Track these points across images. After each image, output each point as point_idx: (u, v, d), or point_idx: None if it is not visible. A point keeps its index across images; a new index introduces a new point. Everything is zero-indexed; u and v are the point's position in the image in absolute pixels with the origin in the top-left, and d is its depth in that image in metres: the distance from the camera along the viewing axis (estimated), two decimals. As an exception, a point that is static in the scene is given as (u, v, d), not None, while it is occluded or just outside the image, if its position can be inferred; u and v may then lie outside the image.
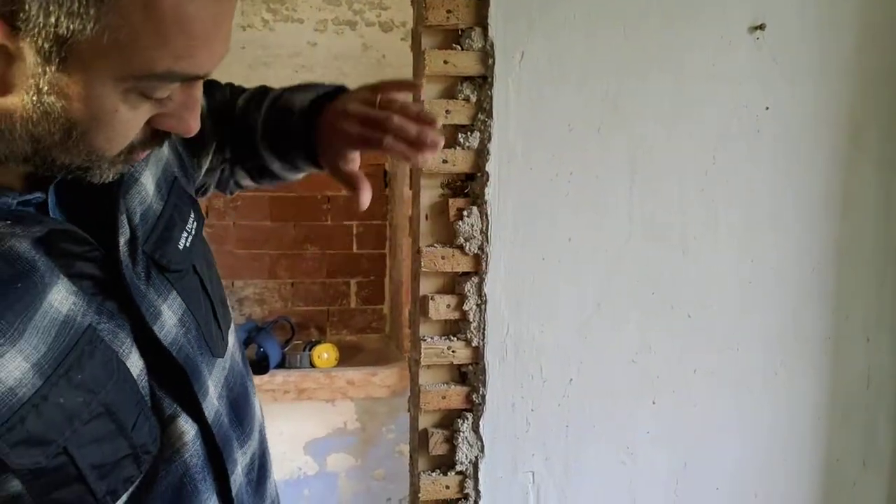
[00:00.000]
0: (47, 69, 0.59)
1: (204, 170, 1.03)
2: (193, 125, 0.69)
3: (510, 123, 1.37)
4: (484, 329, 1.42)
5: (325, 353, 2.81)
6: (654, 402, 1.48)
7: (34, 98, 0.60)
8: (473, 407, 1.44)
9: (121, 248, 0.74)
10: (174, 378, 0.78)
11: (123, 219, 0.75)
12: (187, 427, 0.78)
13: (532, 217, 1.40)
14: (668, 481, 1.52)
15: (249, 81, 1.78)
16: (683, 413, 1.52)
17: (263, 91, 1.08)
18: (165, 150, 0.89)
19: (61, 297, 0.68)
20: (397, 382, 2.86)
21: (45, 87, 0.59)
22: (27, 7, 0.56)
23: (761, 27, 1.44)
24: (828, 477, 1.62)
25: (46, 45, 0.58)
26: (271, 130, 1.02)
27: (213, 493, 0.82)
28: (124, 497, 0.74)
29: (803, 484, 1.61)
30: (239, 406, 0.89)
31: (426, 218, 1.41)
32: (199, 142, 0.98)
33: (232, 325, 0.96)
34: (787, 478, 1.60)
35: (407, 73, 2.81)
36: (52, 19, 0.56)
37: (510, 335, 1.42)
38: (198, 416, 0.79)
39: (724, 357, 1.52)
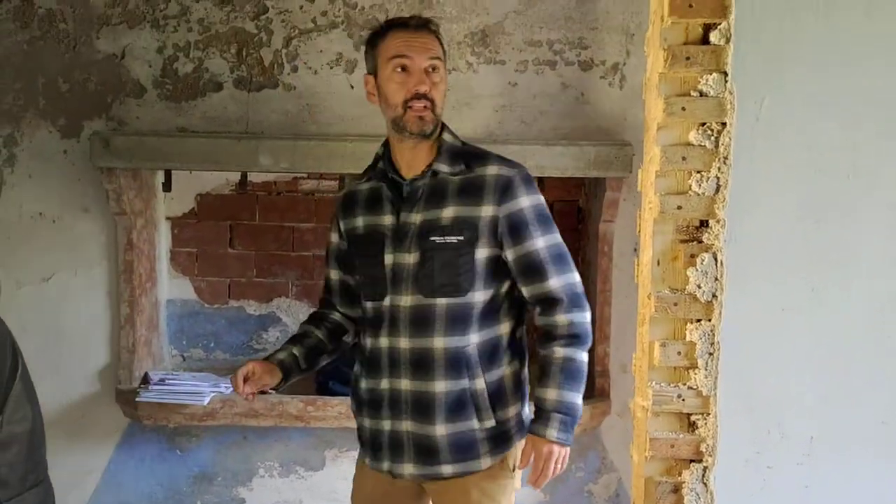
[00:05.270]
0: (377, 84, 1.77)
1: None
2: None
3: (749, 169, 1.35)
4: (716, 378, 1.38)
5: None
6: (906, 467, 1.38)
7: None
8: (703, 458, 1.40)
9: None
10: None
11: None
12: None
13: (771, 265, 1.36)
14: (922, 554, 1.40)
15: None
16: (935, 479, 1.40)
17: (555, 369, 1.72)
18: (487, 213, 1.72)
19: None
20: (588, 420, 2.83)
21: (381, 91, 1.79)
22: (375, 71, 1.79)
23: None
24: None
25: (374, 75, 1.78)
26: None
27: None
28: None
29: None
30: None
31: (657, 263, 1.40)
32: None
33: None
34: None
35: (604, 109, 2.82)
36: (370, 70, 1.85)
37: (744, 386, 1.38)
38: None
39: (984, 421, 1.39)
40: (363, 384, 1.82)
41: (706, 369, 1.38)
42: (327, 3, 2.77)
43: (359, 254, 1.83)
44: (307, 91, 2.80)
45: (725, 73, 1.33)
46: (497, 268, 1.74)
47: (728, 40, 1.33)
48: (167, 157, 2.69)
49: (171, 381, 2.74)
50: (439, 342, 1.74)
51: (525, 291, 1.76)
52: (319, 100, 2.79)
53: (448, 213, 1.73)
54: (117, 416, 2.85)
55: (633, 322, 1.46)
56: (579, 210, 3.12)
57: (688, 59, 1.34)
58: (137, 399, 2.68)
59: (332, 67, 2.79)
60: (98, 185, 2.72)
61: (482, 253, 1.73)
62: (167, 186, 2.91)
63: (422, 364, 1.75)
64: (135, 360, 2.79)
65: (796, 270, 1.36)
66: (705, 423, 1.39)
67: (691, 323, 1.39)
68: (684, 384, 1.40)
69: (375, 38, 1.79)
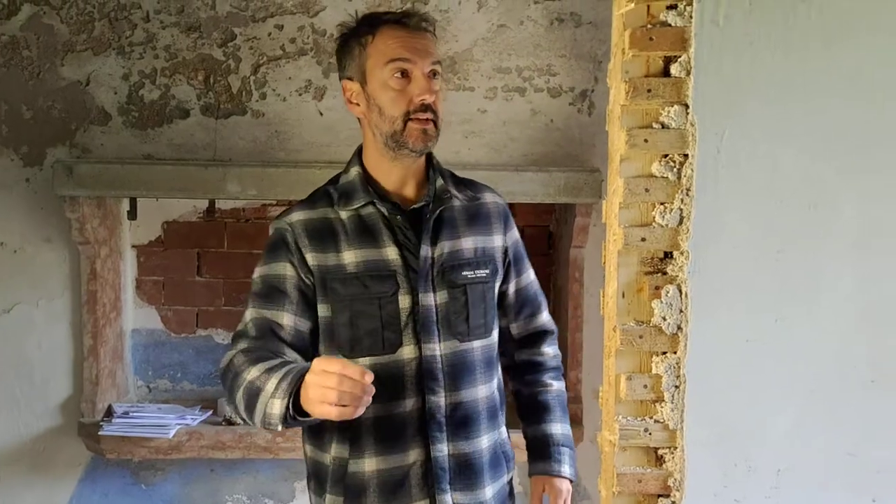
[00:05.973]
0: (366, 91, 1.49)
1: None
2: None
3: (712, 200, 1.34)
4: (682, 412, 1.37)
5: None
6: (873, 501, 1.37)
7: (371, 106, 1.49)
8: (671, 493, 1.39)
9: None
10: None
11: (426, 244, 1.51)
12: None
13: (735, 296, 1.36)
14: (890, 587, 1.39)
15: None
16: (903, 510, 1.39)
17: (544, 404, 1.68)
18: (498, 242, 1.60)
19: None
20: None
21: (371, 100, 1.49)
22: (363, 77, 1.49)
23: None
24: None
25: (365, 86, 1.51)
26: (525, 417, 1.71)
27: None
28: None
29: None
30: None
31: (622, 295, 1.39)
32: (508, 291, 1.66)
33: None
34: None
35: (573, 136, 2.83)
36: (352, 75, 1.53)
37: (711, 419, 1.37)
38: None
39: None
40: (365, 465, 1.46)
41: (672, 402, 1.37)
42: (296, 30, 2.76)
43: (355, 297, 1.46)
44: (276, 118, 2.78)
45: (687, 106, 1.33)
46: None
47: (689, 73, 1.33)
48: (133, 185, 2.65)
49: (135, 414, 2.68)
50: (482, 391, 1.53)
51: (517, 326, 1.67)
52: (288, 127, 2.77)
53: (468, 244, 1.55)
54: (80, 450, 2.78)
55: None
56: (550, 235, 3.12)
57: (649, 91, 1.34)
58: (100, 432, 2.62)
59: (300, 94, 2.78)
60: (61, 214, 2.68)
61: (497, 287, 1.61)
62: (132, 214, 2.87)
63: (466, 421, 1.50)
64: (98, 392, 2.74)
65: (760, 301, 1.35)
66: (672, 458, 1.38)
67: (657, 355, 1.38)
68: (651, 418, 1.38)
69: (360, 37, 1.50)
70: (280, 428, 1.30)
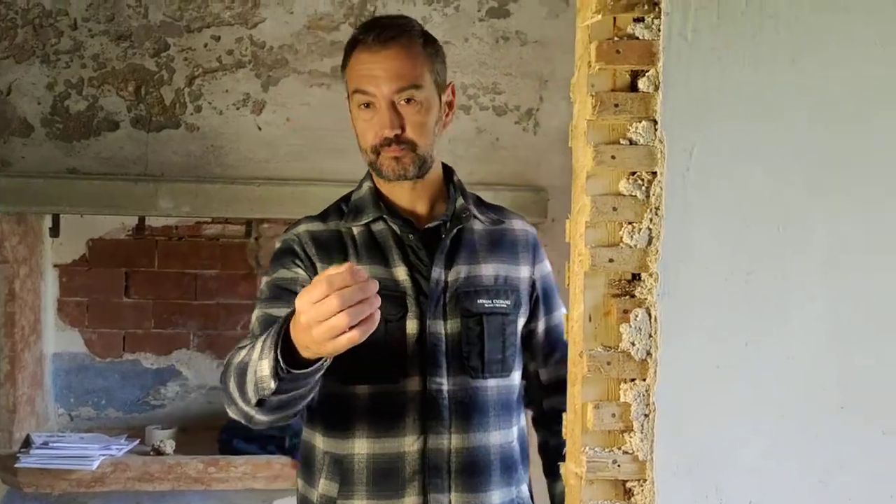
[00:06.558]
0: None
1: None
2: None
3: (681, 220, 1.29)
4: (652, 441, 1.31)
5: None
6: (845, 529, 1.34)
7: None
8: (639, 526, 1.32)
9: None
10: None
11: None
12: None
13: (705, 320, 1.31)
14: None
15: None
16: (870, 538, 1.36)
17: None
18: (525, 273, 1.46)
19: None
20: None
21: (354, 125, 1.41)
22: (347, 91, 1.41)
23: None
24: None
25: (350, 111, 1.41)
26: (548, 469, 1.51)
27: None
28: None
29: None
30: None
31: (589, 319, 1.33)
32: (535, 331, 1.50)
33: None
34: None
35: (519, 155, 2.78)
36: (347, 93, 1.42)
37: (681, 449, 1.31)
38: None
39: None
40: None
41: (642, 432, 1.30)
42: (233, 42, 2.65)
43: None
44: (212, 132, 2.65)
45: (655, 121, 1.28)
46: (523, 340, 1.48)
47: (657, 87, 1.28)
48: (56, 201, 2.49)
49: (55, 444, 2.51)
50: (495, 437, 1.39)
51: (547, 371, 1.51)
52: (225, 141, 2.65)
53: (488, 270, 1.43)
54: (-7, 486, 2.57)
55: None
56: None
57: (616, 105, 1.28)
58: (17, 464, 2.44)
59: (238, 108, 2.66)
60: (-24, 231, 2.49)
61: (521, 322, 1.45)
62: (55, 231, 2.70)
63: (473, 471, 1.36)
64: (15, 420, 2.55)
65: (730, 324, 1.30)
66: (642, 490, 1.31)
67: (625, 383, 1.32)
68: (619, 448, 1.32)
69: (345, 57, 1.42)
70: (273, 385, 1.09)
